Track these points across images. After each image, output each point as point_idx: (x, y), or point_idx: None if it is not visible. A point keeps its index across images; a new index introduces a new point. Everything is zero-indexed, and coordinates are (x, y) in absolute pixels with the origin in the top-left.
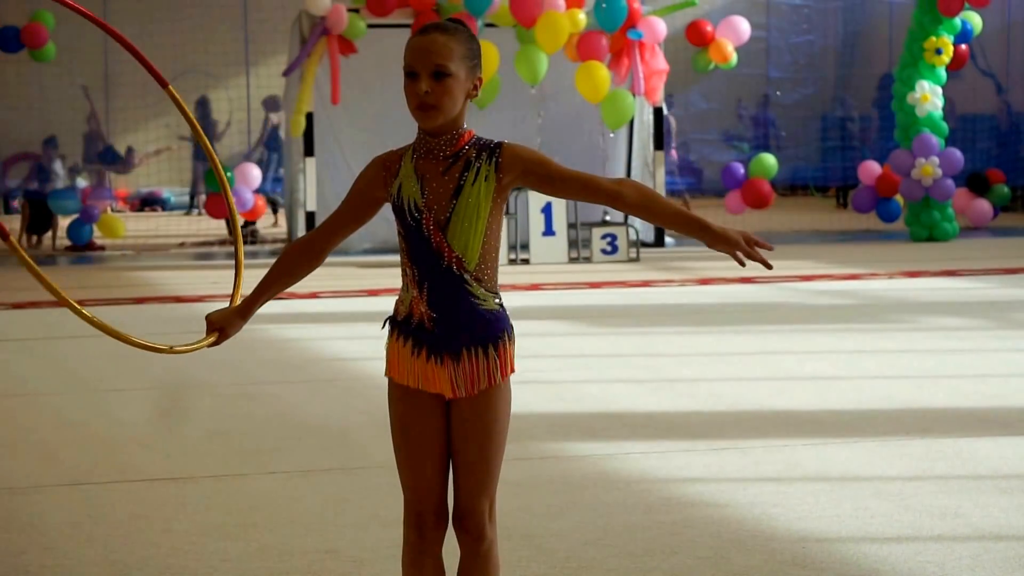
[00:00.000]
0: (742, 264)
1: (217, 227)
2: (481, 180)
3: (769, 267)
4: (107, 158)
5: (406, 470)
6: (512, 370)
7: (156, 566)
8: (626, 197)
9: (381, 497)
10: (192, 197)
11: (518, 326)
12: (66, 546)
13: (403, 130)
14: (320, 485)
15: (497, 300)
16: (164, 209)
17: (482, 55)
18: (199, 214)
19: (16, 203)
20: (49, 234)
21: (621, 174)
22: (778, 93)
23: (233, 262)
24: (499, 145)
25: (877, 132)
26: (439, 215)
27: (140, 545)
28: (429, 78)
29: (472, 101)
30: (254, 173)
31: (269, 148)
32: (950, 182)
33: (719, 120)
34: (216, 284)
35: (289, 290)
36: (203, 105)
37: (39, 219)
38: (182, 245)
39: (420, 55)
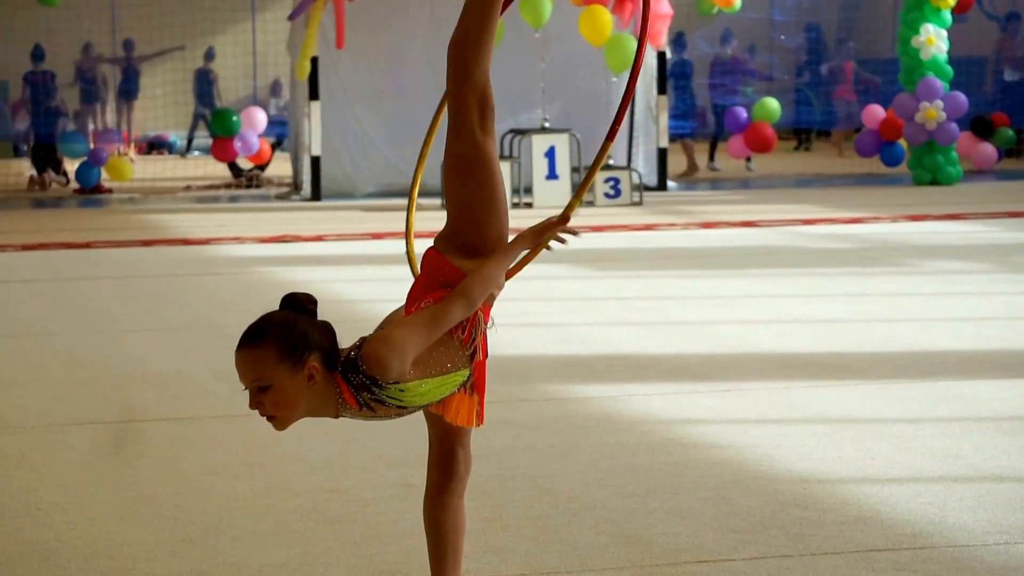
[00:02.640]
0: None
1: (223, 171)
2: (398, 395)
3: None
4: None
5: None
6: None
7: (164, 504)
8: (476, 295)
9: (387, 438)
10: (190, 141)
11: (521, 270)
12: (76, 484)
13: (407, 74)
14: (326, 425)
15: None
16: (171, 152)
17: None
18: (197, 155)
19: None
20: (56, 175)
21: (624, 118)
22: (782, 37)
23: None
24: (367, 376)
25: (881, 76)
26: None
27: (148, 484)
28: (255, 393)
29: None
30: (260, 117)
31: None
32: (954, 126)
33: (721, 64)
34: (223, 227)
35: (294, 232)
36: (209, 57)
37: (44, 160)
38: (188, 188)
39: (239, 374)
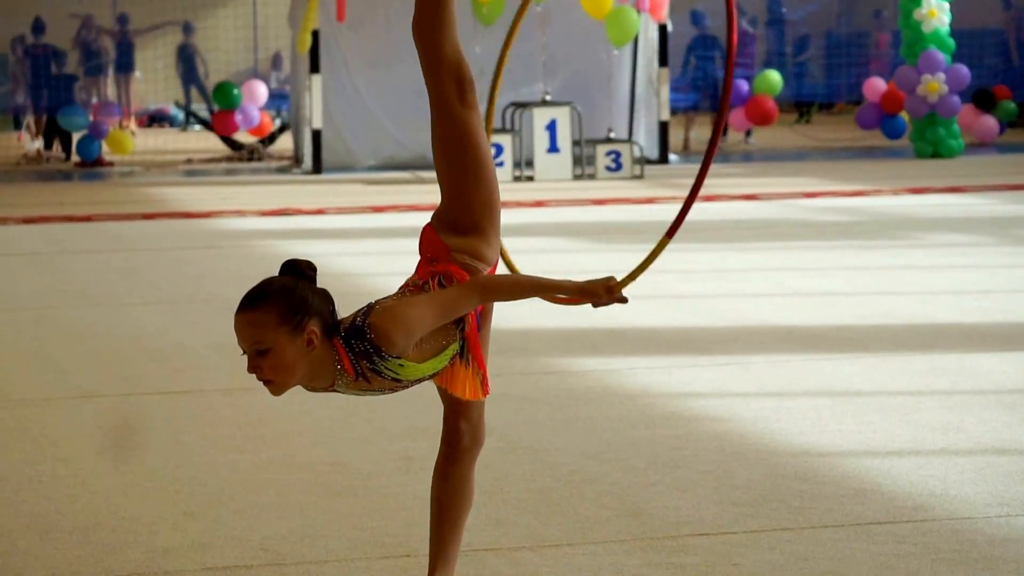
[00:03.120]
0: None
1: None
2: (397, 369)
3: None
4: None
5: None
6: None
7: (166, 477)
8: (491, 296)
9: (388, 411)
10: (187, 115)
11: (522, 243)
12: (78, 457)
13: (408, 47)
14: (328, 399)
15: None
16: (172, 125)
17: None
18: (199, 129)
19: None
20: (57, 150)
21: (625, 92)
22: (784, 10)
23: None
24: (372, 344)
25: (883, 49)
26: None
27: (150, 456)
28: (254, 357)
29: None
30: (260, 90)
31: None
32: (956, 98)
33: (723, 36)
34: (224, 200)
35: (295, 206)
36: (187, 30)
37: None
38: (189, 161)
39: (239, 338)
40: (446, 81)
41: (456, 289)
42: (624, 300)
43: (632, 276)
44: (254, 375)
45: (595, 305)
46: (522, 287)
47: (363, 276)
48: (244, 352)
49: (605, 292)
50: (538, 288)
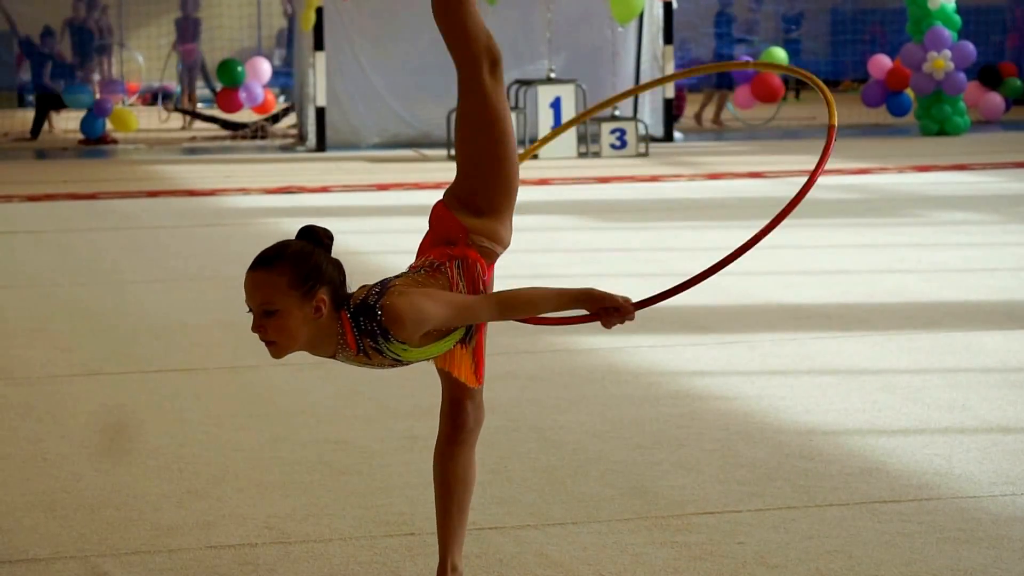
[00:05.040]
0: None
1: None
2: (400, 352)
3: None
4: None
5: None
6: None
7: (170, 455)
8: (508, 314)
9: (391, 390)
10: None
11: (527, 221)
12: (82, 435)
13: (413, 24)
14: (331, 377)
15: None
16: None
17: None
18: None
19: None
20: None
21: (630, 69)
22: None
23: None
24: (381, 326)
25: (888, 25)
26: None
27: (154, 435)
28: (260, 317)
29: None
30: (264, 67)
31: None
32: (962, 75)
33: (728, 13)
34: (228, 178)
35: (299, 183)
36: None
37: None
38: (193, 139)
39: (247, 295)
40: (479, 55)
41: (477, 300)
42: (631, 317)
43: (651, 301)
44: (257, 334)
45: (605, 323)
46: (542, 301)
47: (367, 254)
48: (250, 310)
49: (623, 311)
50: (555, 300)
